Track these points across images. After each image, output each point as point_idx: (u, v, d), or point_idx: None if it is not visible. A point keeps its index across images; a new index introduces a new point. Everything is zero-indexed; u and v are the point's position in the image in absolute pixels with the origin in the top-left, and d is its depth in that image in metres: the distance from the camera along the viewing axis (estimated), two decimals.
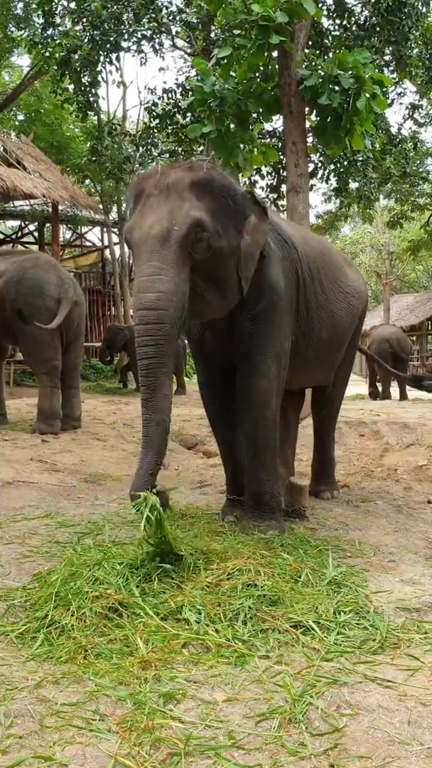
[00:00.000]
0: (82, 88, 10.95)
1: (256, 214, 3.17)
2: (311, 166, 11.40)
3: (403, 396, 13.82)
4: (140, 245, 2.88)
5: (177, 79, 14.16)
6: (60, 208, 16.24)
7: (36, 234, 21.21)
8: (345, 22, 10.51)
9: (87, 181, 17.92)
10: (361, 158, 11.35)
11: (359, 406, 10.99)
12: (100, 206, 17.87)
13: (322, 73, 6.86)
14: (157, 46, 11.80)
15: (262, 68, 7.70)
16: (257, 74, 7.78)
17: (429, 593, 2.65)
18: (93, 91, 11.30)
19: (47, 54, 10.54)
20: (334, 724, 1.69)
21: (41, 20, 11.10)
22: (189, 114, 11.56)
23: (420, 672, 1.99)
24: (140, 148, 13.64)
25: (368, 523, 3.84)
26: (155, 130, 13.08)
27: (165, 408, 2.88)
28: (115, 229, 18.61)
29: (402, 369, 14.24)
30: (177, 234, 2.83)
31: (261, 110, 8.05)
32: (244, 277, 3.16)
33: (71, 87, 11.19)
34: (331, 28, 10.93)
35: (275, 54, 7.65)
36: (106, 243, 20.35)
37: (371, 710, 1.77)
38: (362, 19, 10.23)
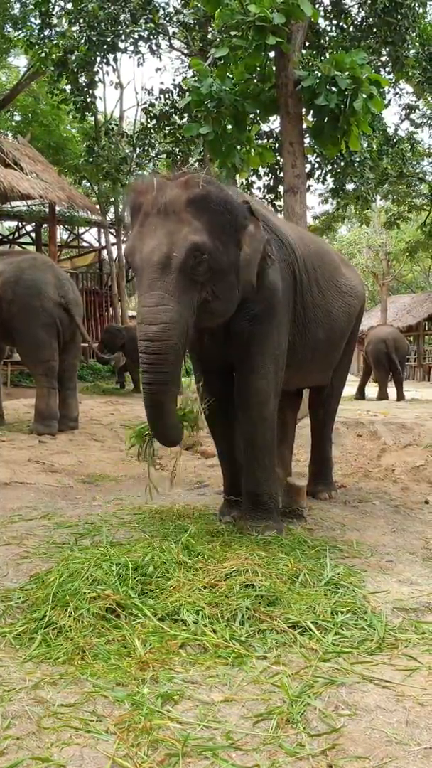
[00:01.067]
0: (79, 89, 10.95)
1: (253, 224, 3.18)
2: (308, 167, 11.40)
3: (400, 396, 13.83)
4: (141, 271, 2.90)
5: (174, 80, 14.19)
6: (57, 208, 16.22)
7: (33, 235, 21.18)
8: (342, 23, 10.51)
9: (84, 182, 17.92)
10: (358, 159, 11.36)
11: (356, 406, 11.00)
12: (98, 207, 17.86)
13: (319, 74, 6.86)
14: (154, 47, 11.79)
15: (259, 69, 7.68)
16: (254, 75, 7.77)
17: (426, 593, 2.66)
18: (90, 91, 11.29)
19: (44, 55, 10.53)
20: (332, 725, 1.70)
21: (38, 21, 11.09)
22: (186, 114, 11.55)
23: (418, 672, 1.99)
24: (137, 149, 13.63)
25: (366, 524, 3.84)
26: (152, 131, 13.07)
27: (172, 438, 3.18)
28: (113, 230, 18.60)
29: (399, 369, 14.25)
30: (177, 261, 2.84)
31: (258, 111, 8.04)
32: (247, 282, 3.18)
33: (68, 88, 11.18)
34: (328, 28, 10.92)
35: (272, 55, 7.64)
36: (103, 244, 20.34)
37: (369, 710, 1.77)
38: (359, 19, 10.24)
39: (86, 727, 1.67)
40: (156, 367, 2.87)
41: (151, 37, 11.46)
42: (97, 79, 11.21)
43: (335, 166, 11.82)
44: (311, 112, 7.36)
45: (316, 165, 12.10)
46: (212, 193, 3.00)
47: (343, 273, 4.31)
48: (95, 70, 10.92)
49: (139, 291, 2.93)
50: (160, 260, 2.83)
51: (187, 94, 7.70)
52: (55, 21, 10.84)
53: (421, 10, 10.10)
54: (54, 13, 10.84)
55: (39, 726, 1.67)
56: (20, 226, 21.43)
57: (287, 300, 3.56)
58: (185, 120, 11.66)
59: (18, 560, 2.95)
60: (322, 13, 10.32)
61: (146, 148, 13.61)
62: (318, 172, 12.25)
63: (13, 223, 21.58)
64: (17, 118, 18.75)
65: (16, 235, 21.82)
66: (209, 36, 11.72)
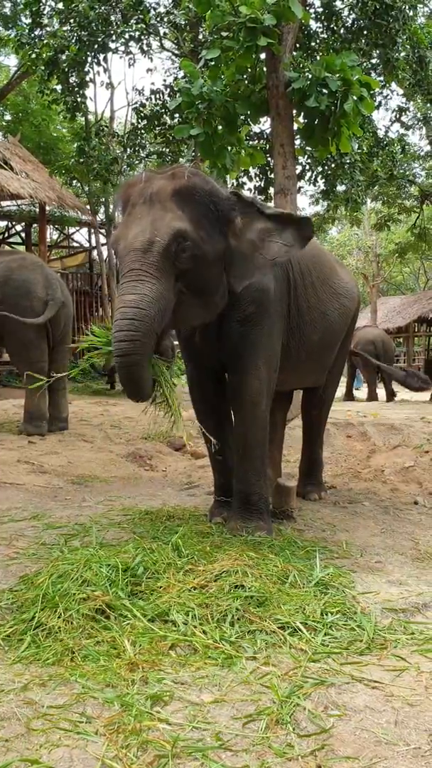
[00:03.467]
0: (70, 89, 10.93)
1: (246, 215, 3.18)
2: (299, 169, 11.43)
3: (390, 397, 13.89)
4: (124, 256, 2.91)
5: (165, 80, 14.17)
6: (47, 208, 16.19)
7: (23, 234, 21.12)
8: (333, 25, 10.55)
9: (74, 182, 17.87)
10: (348, 161, 11.40)
11: (346, 407, 11.03)
12: (88, 207, 17.82)
13: (310, 76, 6.89)
14: (145, 47, 11.80)
15: (249, 70, 7.71)
16: (245, 76, 7.80)
17: (415, 594, 2.67)
18: (81, 91, 11.28)
19: (34, 54, 10.51)
20: (321, 725, 1.70)
21: (29, 20, 11.07)
22: (177, 115, 11.56)
23: (407, 672, 2.00)
24: (128, 150, 13.62)
25: (355, 524, 3.85)
26: (143, 131, 13.07)
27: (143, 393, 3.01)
28: (103, 230, 18.56)
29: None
30: (159, 244, 2.85)
31: (249, 112, 8.06)
32: (236, 278, 3.18)
33: (59, 87, 11.17)
34: (319, 30, 10.97)
35: (263, 56, 7.67)
36: (93, 244, 20.30)
37: (358, 711, 1.78)
38: (350, 22, 10.28)
39: (75, 728, 1.67)
40: (128, 333, 2.77)
41: (142, 37, 11.47)
42: (87, 79, 11.20)
43: (326, 167, 11.86)
44: (302, 113, 7.40)
45: (307, 166, 12.14)
46: (197, 184, 3.03)
47: (338, 275, 4.32)
48: (86, 70, 10.92)
49: (122, 273, 2.92)
50: (143, 245, 2.85)
51: (178, 95, 7.70)
52: (45, 21, 10.83)
53: (411, 13, 10.16)
54: (45, 12, 10.83)
55: (28, 728, 1.66)
56: (10, 225, 21.36)
57: (280, 302, 3.57)
58: (176, 121, 11.67)
59: (7, 561, 2.93)
60: (313, 15, 10.36)
61: (137, 149, 13.60)
62: (309, 174, 12.29)
63: (3, 223, 21.50)
64: (7, 117, 18.69)
65: (6, 235, 21.74)
66: (200, 37, 11.73)
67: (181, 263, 2.93)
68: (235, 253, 3.15)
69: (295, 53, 8.47)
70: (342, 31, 10.33)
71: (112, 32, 10.64)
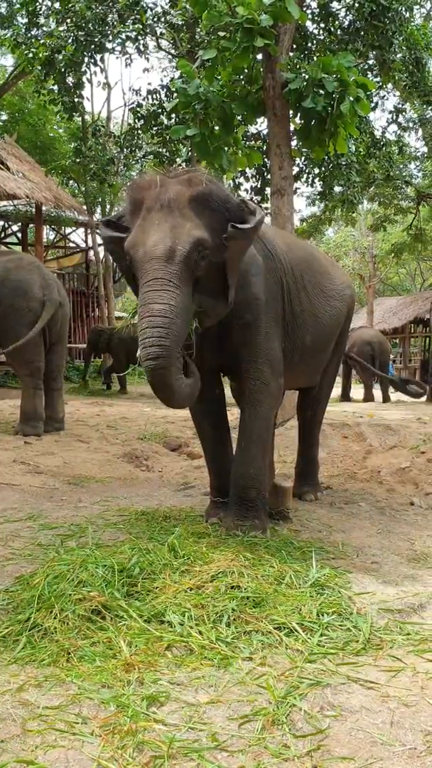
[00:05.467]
0: (67, 89, 10.93)
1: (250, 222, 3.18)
2: (295, 169, 11.45)
3: (386, 398, 13.91)
4: (144, 263, 2.88)
5: (162, 80, 14.17)
6: (43, 208, 16.18)
7: (19, 235, 21.11)
8: (329, 26, 10.56)
9: (71, 182, 17.88)
10: (345, 162, 11.42)
11: (342, 408, 11.05)
12: (84, 207, 17.83)
13: (307, 77, 6.89)
14: (142, 48, 11.80)
15: (246, 71, 7.72)
16: (242, 77, 7.80)
17: (411, 594, 2.67)
18: (77, 91, 11.28)
19: (31, 54, 10.50)
20: (317, 726, 1.70)
21: (25, 20, 11.06)
22: (174, 115, 11.56)
23: (403, 673, 2.00)
24: (124, 150, 13.62)
25: (351, 525, 3.85)
26: (139, 132, 13.07)
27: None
28: (99, 230, 18.54)
29: (383, 371, 14.36)
30: (181, 253, 2.85)
31: (245, 113, 8.06)
32: (235, 285, 3.21)
33: (55, 88, 11.16)
34: (316, 31, 10.98)
35: (260, 57, 7.67)
36: (89, 244, 20.30)
37: (354, 711, 1.78)
38: (346, 23, 10.28)
39: (71, 729, 1.66)
40: (158, 340, 2.78)
41: (139, 37, 11.47)
42: (84, 79, 11.20)
43: (322, 168, 11.87)
44: (298, 114, 7.40)
45: (304, 167, 12.16)
46: (213, 191, 3.04)
47: (330, 278, 4.35)
48: (83, 70, 10.91)
49: (142, 281, 2.89)
50: (165, 252, 2.84)
51: (175, 95, 7.70)
52: (42, 20, 10.83)
53: (407, 15, 10.17)
54: (41, 12, 10.83)
55: (23, 728, 1.66)
56: (6, 226, 21.35)
57: (274, 308, 3.61)
58: (173, 121, 11.67)
59: (3, 562, 2.93)
60: (309, 16, 10.37)
61: (133, 149, 13.60)
62: (305, 175, 12.31)
63: (0, 223, 21.50)
64: (3, 117, 18.68)
65: (2, 235, 21.74)
66: (197, 37, 11.74)
67: (199, 271, 2.96)
68: (227, 262, 3.15)
69: (291, 54, 8.46)
70: (338, 32, 10.34)
71: (108, 32, 10.64)
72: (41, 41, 10.43)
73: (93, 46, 10.44)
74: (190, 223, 2.92)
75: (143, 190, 3.04)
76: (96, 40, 10.37)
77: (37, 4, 10.66)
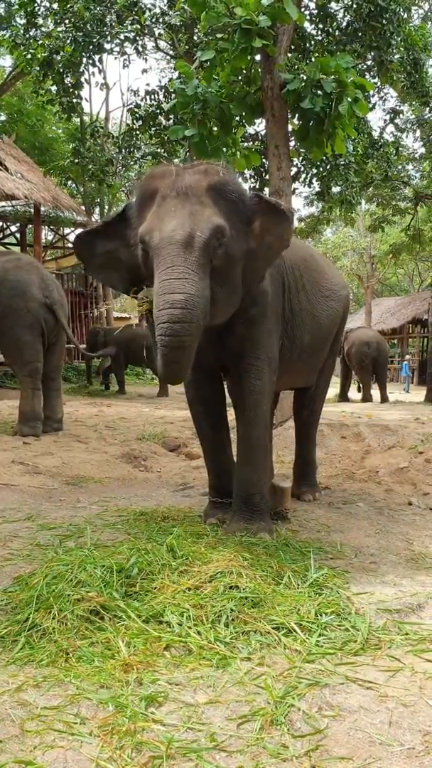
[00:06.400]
0: (65, 90, 10.92)
1: (267, 217, 3.14)
2: (294, 170, 11.45)
3: (384, 399, 13.92)
4: (162, 249, 2.83)
5: (160, 81, 14.18)
6: (42, 209, 16.17)
7: (18, 235, 21.10)
8: (327, 27, 10.57)
9: (69, 183, 17.89)
10: (343, 162, 11.42)
11: (340, 408, 11.05)
12: (83, 208, 17.82)
13: (305, 77, 6.89)
14: (140, 48, 11.80)
15: (244, 72, 7.70)
16: (240, 78, 7.79)
17: (410, 594, 2.67)
18: (76, 92, 11.27)
19: (29, 55, 10.49)
20: (315, 726, 1.70)
21: (23, 21, 11.06)
22: (172, 116, 11.56)
23: (401, 673, 2.00)
24: (123, 150, 13.62)
25: (350, 525, 3.86)
26: (138, 132, 13.07)
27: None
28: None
29: (382, 372, 14.37)
30: (200, 240, 2.82)
31: (243, 114, 8.06)
32: (252, 279, 3.20)
33: (54, 88, 11.15)
34: (314, 32, 10.99)
35: (258, 58, 7.67)
36: None
37: (352, 711, 1.78)
38: (344, 24, 10.30)
39: (70, 729, 1.66)
40: (179, 337, 2.75)
41: (137, 38, 11.47)
42: (82, 79, 11.19)
43: (320, 169, 11.88)
44: (297, 115, 7.39)
45: (302, 168, 12.16)
46: (230, 181, 3.04)
47: (327, 278, 4.36)
48: (81, 70, 10.90)
49: (159, 267, 2.84)
50: (184, 238, 2.80)
51: (173, 96, 7.70)
52: (40, 21, 10.83)
53: (405, 16, 10.18)
54: (39, 13, 10.83)
55: (22, 729, 1.66)
56: (5, 226, 21.35)
57: (277, 305, 3.61)
58: (171, 121, 11.67)
59: (1, 562, 2.93)
60: (307, 17, 10.38)
61: (132, 150, 13.60)
62: (303, 175, 12.31)
63: None
64: (2, 117, 18.67)
65: (1, 235, 21.73)
66: (195, 38, 11.74)
67: (216, 259, 2.93)
68: (253, 254, 3.15)
69: (290, 55, 8.46)
70: (337, 32, 10.36)
71: (107, 33, 10.64)
72: (40, 42, 10.43)
73: (91, 47, 10.44)
74: (209, 209, 2.90)
75: (157, 180, 3.01)
76: (94, 40, 10.37)
77: (36, 4, 10.66)
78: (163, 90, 12.64)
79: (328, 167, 11.62)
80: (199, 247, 2.82)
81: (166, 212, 2.89)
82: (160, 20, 11.88)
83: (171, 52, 13.71)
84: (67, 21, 10.25)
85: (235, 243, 3.02)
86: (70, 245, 23.44)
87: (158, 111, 12.41)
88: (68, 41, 10.18)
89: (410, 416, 9.71)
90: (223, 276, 3.02)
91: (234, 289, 3.16)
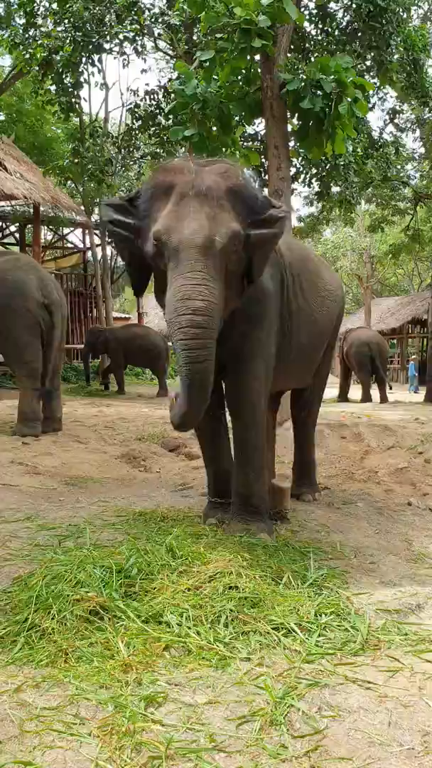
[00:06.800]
0: (64, 90, 10.92)
1: (271, 221, 3.16)
2: (293, 170, 11.45)
3: (384, 399, 13.92)
4: (181, 251, 2.83)
5: (159, 81, 14.17)
6: (41, 209, 16.17)
7: (17, 235, 21.10)
8: (327, 27, 10.57)
9: (69, 183, 17.89)
10: (342, 162, 11.42)
11: (340, 408, 11.05)
12: (82, 208, 17.81)
13: (304, 77, 6.90)
14: (140, 48, 11.80)
15: (244, 72, 7.71)
16: (239, 78, 7.79)
17: (409, 595, 2.67)
18: (75, 92, 11.27)
19: (28, 55, 10.50)
20: (315, 726, 1.70)
21: (23, 21, 11.06)
22: (171, 116, 11.57)
23: (400, 673, 2.00)
24: (122, 150, 13.62)
25: (349, 525, 3.85)
26: (137, 132, 13.07)
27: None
28: (97, 231, 18.56)
29: (381, 372, 14.37)
30: (220, 244, 2.84)
31: (243, 114, 8.07)
32: (252, 278, 3.21)
33: (53, 88, 11.16)
34: (314, 32, 11.00)
35: (257, 58, 7.67)
36: (87, 245, 20.30)
37: (352, 712, 1.78)
38: (344, 24, 10.31)
39: (69, 730, 1.66)
40: (201, 342, 2.79)
41: (137, 38, 11.47)
42: (82, 79, 11.19)
43: (320, 169, 11.88)
44: (296, 115, 7.40)
45: (301, 168, 12.16)
46: (248, 186, 3.07)
47: (323, 278, 4.36)
48: (80, 70, 10.91)
49: (178, 270, 2.85)
50: (204, 242, 2.81)
51: (173, 96, 7.70)
52: (39, 21, 10.83)
53: (405, 16, 10.19)
54: (39, 13, 10.83)
55: (21, 729, 1.66)
56: (4, 226, 21.35)
57: (276, 304, 3.61)
58: (171, 122, 11.67)
59: (0, 563, 2.93)
60: (307, 17, 10.38)
61: (131, 150, 13.61)
62: (303, 175, 12.30)
63: None
64: (1, 117, 18.68)
65: (0, 235, 21.73)
66: (195, 38, 11.74)
67: (231, 264, 2.96)
68: (257, 254, 3.17)
69: (289, 55, 8.47)
70: (336, 33, 10.36)
71: (106, 33, 10.64)
72: (39, 42, 10.44)
73: (91, 47, 10.44)
74: (228, 214, 2.91)
75: (174, 174, 2.99)
76: (94, 40, 10.37)
77: (35, 4, 10.67)
78: (163, 90, 12.64)
79: (327, 167, 11.62)
80: (218, 253, 2.85)
81: (185, 213, 2.88)
82: (160, 20, 11.88)
83: (170, 52, 13.71)
84: (66, 21, 10.25)
85: (246, 245, 3.04)
86: (69, 245, 23.47)
87: (158, 111, 12.41)
88: (67, 41, 10.19)
89: (410, 416, 9.72)
90: (231, 278, 3.04)
91: (239, 289, 3.18)
